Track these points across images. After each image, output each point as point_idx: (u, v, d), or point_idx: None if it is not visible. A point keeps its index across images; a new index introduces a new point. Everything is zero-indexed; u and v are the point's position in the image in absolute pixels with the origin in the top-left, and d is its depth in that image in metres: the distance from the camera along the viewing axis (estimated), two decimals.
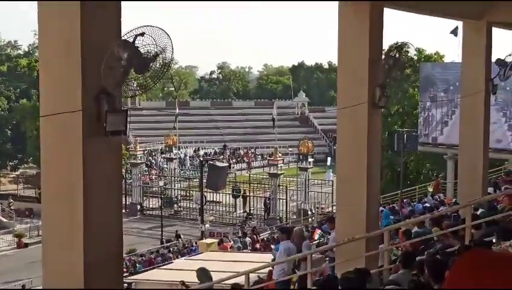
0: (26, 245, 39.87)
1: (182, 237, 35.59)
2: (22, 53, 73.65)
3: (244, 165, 63.36)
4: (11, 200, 47.96)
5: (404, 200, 25.76)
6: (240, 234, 30.38)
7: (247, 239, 27.41)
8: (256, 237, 29.31)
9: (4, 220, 46.00)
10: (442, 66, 38.52)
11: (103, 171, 6.50)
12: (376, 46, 11.67)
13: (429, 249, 9.96)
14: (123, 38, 6.25)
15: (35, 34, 55.20)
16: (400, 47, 11.65)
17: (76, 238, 6.35)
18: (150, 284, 17.06)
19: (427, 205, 20.27)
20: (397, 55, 11.60)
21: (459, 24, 16.70)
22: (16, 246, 40.54)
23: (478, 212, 12.02)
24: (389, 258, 10.52)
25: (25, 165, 65.36)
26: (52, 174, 6.64)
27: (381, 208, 18.09)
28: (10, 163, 65.49)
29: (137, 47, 6.17)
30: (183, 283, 13.49)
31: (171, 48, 6.31)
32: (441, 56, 45.93)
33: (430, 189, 31.96)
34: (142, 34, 6.16)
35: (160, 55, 6.31)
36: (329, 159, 55.92)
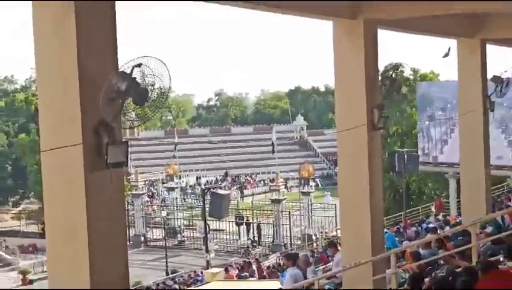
0: (31, 282, 39.58)
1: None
2: (19, 87, 73.94)
3: (246, 192, 63.24)
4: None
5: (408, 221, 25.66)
6: (244, 262, 30.17)
7: (254, 267, 27.21)
8: (259, 265, 29.08)
9: (8, 257, 45.79)
10: (439, 84, 38.64)
11: (106, 204, 6.47)
12: (372, 67, 11.69)
13: (436, 271, 9.89)
14: (120, 69, 6.26)
15: (31, 68, 55.48)
16: (395, 67, 11.68)
17: (83, 273, 6.31)
18: None
19: (431, 225, 20.17)
20: (393, 75, 11.63)
21: (453, 43, 16.73)
22: (20, 283, 40.25)
23: (489, 230, 11.97)
24: (396, 281, 10.42)
25: (27, 201, 65.19)
26: (55, 209, 6.61)
27: (384, 230, 17.98)
28: (11, 199, 65.31)
29: (135, 78, 6.18)
30: None
31: (169, 77, 6.32)
32: (436, 75, 46.09)
33: (433, 209, 31.89)
34: (139, 65, 6.17)
35: (158, 85, 6.31)
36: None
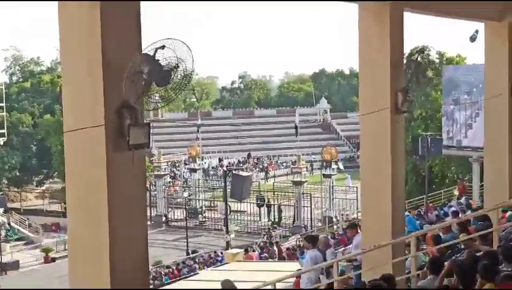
0: (53, 260, 40.18)
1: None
2: (44, 69, 74.54)
3: (268, 174, 63.35)
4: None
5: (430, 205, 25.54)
6: (264, 243, 30.33)
7: (274, 248, 27.36)
8: (279, 246, 29.21)
9: (31, 235, 46.46)
10: (465, 68, 38.25)
11: (127, 185, 6.52)
12: (397, 51, 11.60)
13: (456, 255, 9.86)
14: (144, 52, 6.29)
15: (57, 49, 55.79)
16: (421, 50, 11.57)
17: (102, 251, 6.37)
18: None
19: (453, 209, 20.07)
20: (419, 58, 11.53)
21: (480, 26, 16.51)
22: (43, 261, 40.85)
23: (507, 215, 11.88)
24: (416, 265, 10.40)
25: (51, 180, 65.92)
26: (76, 189, 6.68)
27: (406, 213, 17.94)
28: (36, 178, 66.07)
29: (158, 60, 6.20)
30: None
31: (192, 60, 6.33)
32: (462, 58, 45.60)
33: (456, 192, 31.70)
34: (163, 47, 6.18)
35: (181, 67, 6.33)
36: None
